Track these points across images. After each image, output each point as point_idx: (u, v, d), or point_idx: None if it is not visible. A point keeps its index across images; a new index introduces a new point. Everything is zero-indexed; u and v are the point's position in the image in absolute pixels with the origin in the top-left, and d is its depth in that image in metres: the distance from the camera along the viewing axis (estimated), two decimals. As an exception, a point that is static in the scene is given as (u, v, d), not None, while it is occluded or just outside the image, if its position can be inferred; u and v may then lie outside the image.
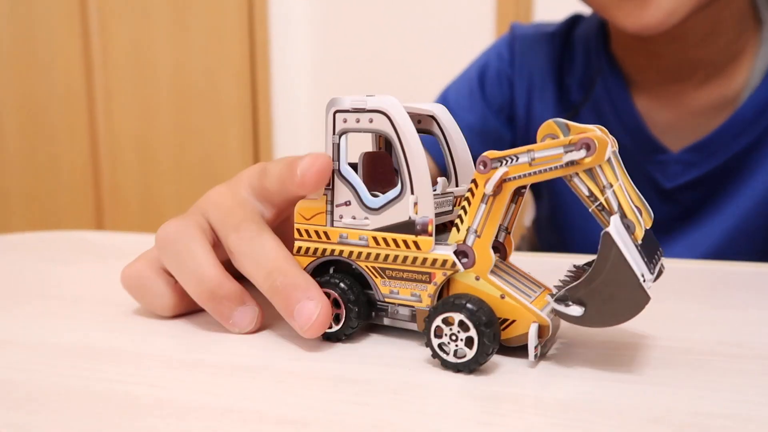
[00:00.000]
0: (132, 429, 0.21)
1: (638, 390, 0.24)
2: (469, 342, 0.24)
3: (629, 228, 0.24)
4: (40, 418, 0.21)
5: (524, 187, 0.28)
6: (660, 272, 0.26)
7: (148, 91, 1.52)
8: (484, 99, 0.64)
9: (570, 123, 0.25)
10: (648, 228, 0.26)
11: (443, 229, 0.28)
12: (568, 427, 0.21)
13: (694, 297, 0.37)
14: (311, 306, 0.26)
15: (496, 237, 0.28)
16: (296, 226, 0.29)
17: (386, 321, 0.28)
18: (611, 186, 0.24)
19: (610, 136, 0.25)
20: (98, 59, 1.49)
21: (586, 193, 0.24)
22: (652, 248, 0.26)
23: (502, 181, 0.25)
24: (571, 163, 0.24)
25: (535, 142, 0.26)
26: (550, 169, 0.24)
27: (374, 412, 0.21)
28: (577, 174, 0.24)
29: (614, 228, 0.23)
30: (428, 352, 0.25)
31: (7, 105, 1.46)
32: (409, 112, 0.28)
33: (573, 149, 0.23)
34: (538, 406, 0.22)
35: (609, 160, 0.24)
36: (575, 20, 0.64)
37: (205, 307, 0.29)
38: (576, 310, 0.24)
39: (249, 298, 0.29)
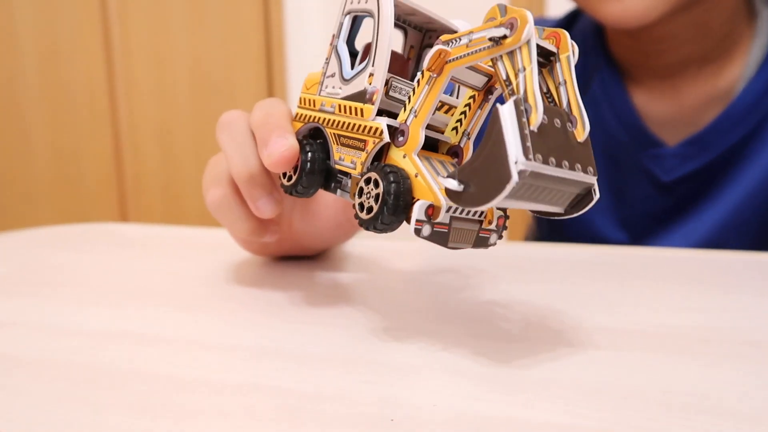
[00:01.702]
0: (176, 406, 0.24)
1: (613, 370, 0.27)
2: (375, 201, 0.26)
3: (526, 112, 0.23)
4: (100, 394, 0.25)
5: (490, 92, 0.28)
6: (584, 198, 0.25)
7: (167, 84, 1.56)
8: None
9: (509, 6, 0.24)
10: (580, 140, 0.24)
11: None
12: (547, 402, 0.24)
13: (681, 284, 0.40)
14: (283, 142, 0.30)
15: (459, 143, 0.29)
16: (300, 93, 0.32)
17: (338, 193, 0.30)
18: (524, 69, 0.23)
19: (569, 39, 0.25)
20: (119, 53, 1.53)
21: (504, 77, 0.24)
22: (563, 151, 0.24)
23: (444, 62, 0.25)
24: (494, 41, 0.23)
25: None
26: (481, 49, 0.24)
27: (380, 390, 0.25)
28: (501, 58, 0.24)
29: (506, 107, 0.22)
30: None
31: (32, 100, 1.51)
32: (440, 23, 0.30)
33: (502, 27, 0.23)
34: (518, 384, 0.25)
35: (529, 42, 0.23)
36: (575, 15, 0.66)
37: (240, 187, 0.33)
38: (452, 184, 0.24)
39: (277, 191, 0.33)
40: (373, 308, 0.35)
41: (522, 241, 0.81)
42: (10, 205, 1.55)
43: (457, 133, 0.29)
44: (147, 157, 1.58)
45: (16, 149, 1.53)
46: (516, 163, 0.22)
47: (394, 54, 0.29)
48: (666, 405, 0.24)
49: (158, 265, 0.45)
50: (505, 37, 0.23)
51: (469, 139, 0.29)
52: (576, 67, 0.62)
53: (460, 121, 0.29)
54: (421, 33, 0.33)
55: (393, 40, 0.28)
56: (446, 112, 0.30)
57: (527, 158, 0.22)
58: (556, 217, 0.27)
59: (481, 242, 0.28)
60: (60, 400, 0.24)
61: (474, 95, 0.29)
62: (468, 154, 0.29)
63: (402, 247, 0.49)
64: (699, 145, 0.57)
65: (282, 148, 0.30)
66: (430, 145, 0.29)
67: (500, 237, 0.28)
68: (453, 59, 0.25)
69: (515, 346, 0.29)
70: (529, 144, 0.22)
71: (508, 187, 0.22)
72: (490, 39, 0.23)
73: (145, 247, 0.51)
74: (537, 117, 0.22)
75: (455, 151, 0.29)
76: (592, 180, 0.25)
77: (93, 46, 1.52)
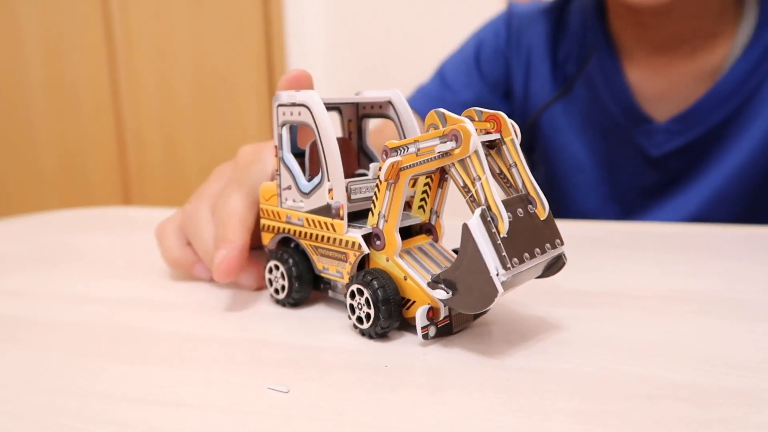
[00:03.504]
0: (192, 357, 0.27)
1: (587, 324, 0.29)
2: (370, 310, 0.27)
3: (493, 221, 0.24)
4: (121, 349, 0.28)
5: (445, 171, 0.28)
6: (556, 263, 0.27)
7: (169, 77, 1.58)
8: (481, 76, 0.68)
9: (446, 113, 0.25)
10: (543, 219, 0.26)
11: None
12: (525, 349, 0.26)
13: (665, 254, 0.42)
14: (221, 254, 0.31)
15: (429, 220, 0.30)
16: (260, 204, 0.33)
17: (330, 293, 0.32)
18: (479, 178, 0.24)
19: (509, 121, 0.26)
20: (121, 47, 1.55)
21: (461, 184, 0.25)
22: (532, 240, 0.25)
23: (399, 169, 0.26)
24: (444, 154, 0.25)
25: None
26: (431, 159, 0.25)
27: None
28: (453, 165, 0.25)
29: (474, 221, 0.24)
30: None
31: (37, 94, 1.53)
32: (368, 101, 0.32)
33: (445, 140, 0.24)
34: (494, 326, 0.28)
35: (477, 152, 0.24)
36: None
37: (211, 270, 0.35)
38: (442, 294, 0.25)
39: (247, 265, 0.34)
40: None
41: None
42: (17, 196, 1.57)
43: (424, 211, 0.30)
44: (150, 149, 1.60)
45: (22, 142, 1.55)
46: (498, 275, 0.23)
47: (339, 142, 0.30)
48: (633, 350, 0.26)
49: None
50: (453, 149, 0.24)
51: (438, 216, 0.30)
52: (574, 44, 0.65)
53: (424, 199, 0.30)
54: (354, 105, 0.34)
55: (337, 151, 0.28)
56: (411, 187, 0.31)
57: (506, 268, 0.24)
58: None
59: (481, 314, 0.29)
60: (85, 354, 0.27)
61: (431, 176, 0.30)
62: (441, 231, 0.31)
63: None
64: (687, 121, 0.59)
65: (221, 263, 0.31)
66: (406, 230, 0.30)
67: None
68: (406, 167, 0.26)
69: (500, 308, 0.32)
70: (504, 253, 0.24)
71: (497, 298, 0.24)
72: (439, 152, 0.25)
73: (152, 228, 0.53)
74: (504, 225, 0.24)
75: (428, 229, 0.31)
76: (561, 250, 0.27)
77: (95, 40, 1.54)
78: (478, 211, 0.24)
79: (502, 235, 0.24)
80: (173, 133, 1.60)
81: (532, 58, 0.66)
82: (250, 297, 0.34)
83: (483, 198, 0.24)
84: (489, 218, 0.24)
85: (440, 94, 0.68)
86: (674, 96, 0.60)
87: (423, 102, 0.68)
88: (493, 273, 0.24)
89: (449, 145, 0.24)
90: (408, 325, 0.29)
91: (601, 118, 0.63)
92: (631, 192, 0.63)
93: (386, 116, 0.33)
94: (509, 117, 0.27)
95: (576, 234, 0.48)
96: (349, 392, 0.23)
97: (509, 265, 0.24)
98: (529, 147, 0.70)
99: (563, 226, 0.48)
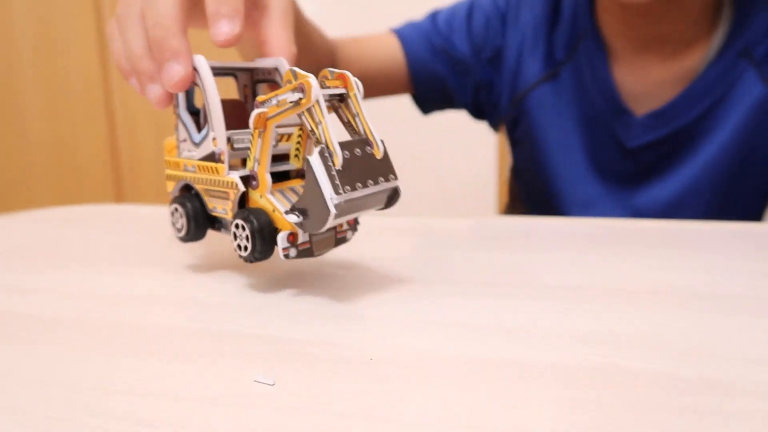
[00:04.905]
0: (181, 350, 0.27)
1: (569, 317, 0.30)
2: (248, 241, 0.32)
3: (330, 156, 0.29)
4: (110, 342, 0.28)
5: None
6: (394, 195, 0.32)
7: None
8: (468, 35, 0.70)
9: (298, 71, 0.30)
10: (379, 158, 0.31)
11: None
12: (509, 341, 0.27)
13: (647, 249, 0.43)
14: (178, 68, 0.33)
15: (302, 167, 0.35)
16: (164, 157, 0.38)
17: (223, 231, 0.36)
18: (321, 123, 0.29)
19: (353, 79, 0.31)
20: (112, 39, 1.55)
21: (309, 129, 0.30)
22: (366, 173, 0.31)
23: (265, 119, 0.31)
24: (295, 103, 0.30)
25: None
26: (288, 108, 0.30)
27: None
28: (303, 114, 0.30)
29: (314, 157, 0.29)
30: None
31: (29, 87, 1.53)
32: (259, 68, 0.37)
33: (295, 92, 0.29)
34: (488, 329, 0.29)
35: (318, 101, 0.29)
36: None
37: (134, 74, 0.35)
38: (294, 218, 0.31)
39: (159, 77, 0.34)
40: (363, 273, 0.38)
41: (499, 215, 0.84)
42: (9, 193, 1.57)
43: (299, 158, 0.36)
44: (142, 146, 1.60)
45: (14, 139, 1.55)
46: (331, 199, 0.29)
47: (232, 102, 0.36)
48: (615, 342, 0.27)
49: (156, 239, 0.48)
50: (300, 99, 0.29)
51: None
52: (565, 31, 0.66)
53: (298, 149, 0.36)
54: (249, 72, 0.39)
55: (219, 105, 0.33)
56: (288, 140, 0.36)
57: (337, 193, 0.29)
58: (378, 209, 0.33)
59: (341, 241, 0.35)
60: (74, 348, 0.27)
61: (302, 128, 0.35)
62: None
63: (402, 223, 0.51)
64: (662, 118, 0.62)
65: (179, 81, 0.33)
66: (284, 175, 0.36)
67: (355, 230, 0.35)
68: (271, 116, 0.31)
69: (488, 301, 0.32)
70: (337, 182, 0.29)
71: (331, 218, 0.29)
72: (290, 101, 0.30)
73: (143, 224, 0.53)
74: (338, 159, 0.29)
75: (302, 174, 0.35)
76: (396, 183, 0.32)
77: (88, 36, 1.53)
78: (317, 148, 0.29)
79: (336, 168, 0.29)
80: (166, 129, 1.60)
81: (527, 36, 0.68)
82: (238, 291, 0.35)
83: (324, 138, 0.29)
84: (327, 154, 0.29)
85: (428, 34, 0.70)
86: (652, 93, 0.63)
87: (411, 31, 0.70)
88: (327, 197, 0.29)
89: (297, 95, 0.29)
90: (392, 321, 0.29)
91: (584, 106, 0.66)
92: (609, 177, 0.66)
93: (275, 81, 0.37)
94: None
95: (558, 230, 0.49)
96: (335, 384, 0.24)
97: (341, 191, 0.29)
98: (513, 122, 0.71)
99: (545, 223, 0.48)
